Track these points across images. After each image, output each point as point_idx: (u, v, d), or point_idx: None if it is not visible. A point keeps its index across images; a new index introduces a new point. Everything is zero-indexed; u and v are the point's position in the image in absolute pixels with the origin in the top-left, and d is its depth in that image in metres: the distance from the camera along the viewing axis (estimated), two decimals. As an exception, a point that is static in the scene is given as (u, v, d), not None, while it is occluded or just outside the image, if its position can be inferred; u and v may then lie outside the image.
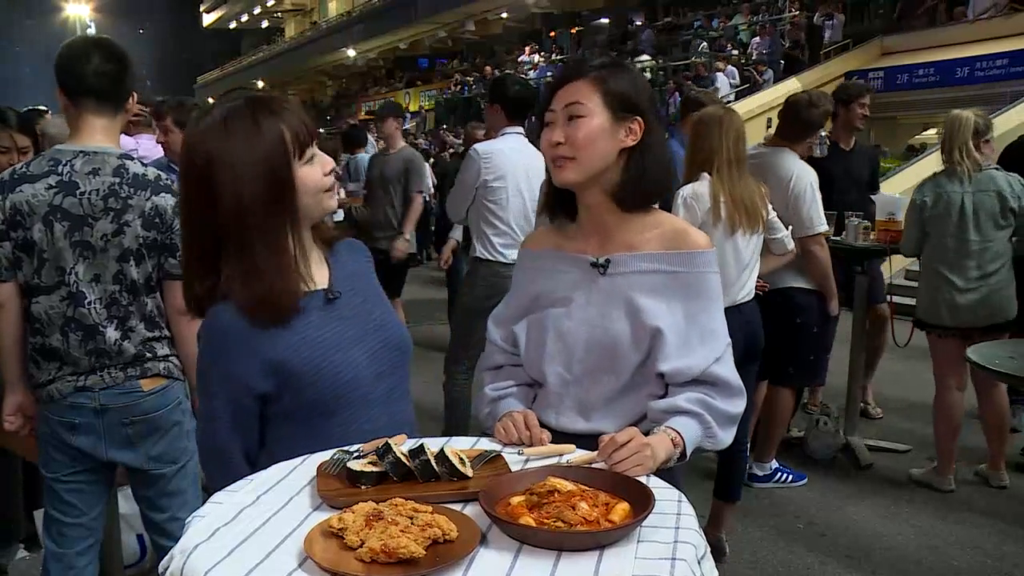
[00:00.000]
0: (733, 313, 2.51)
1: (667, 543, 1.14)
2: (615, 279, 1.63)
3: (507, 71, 21.37)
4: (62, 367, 2.22)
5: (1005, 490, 4.04)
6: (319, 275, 1.59)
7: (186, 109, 3.64)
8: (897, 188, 8.28)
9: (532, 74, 23.99)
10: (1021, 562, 3.40)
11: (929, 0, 15.58)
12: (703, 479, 3.63)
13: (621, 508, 1.19)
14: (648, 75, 19.35)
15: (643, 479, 1.32)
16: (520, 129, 4.04)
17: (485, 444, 1.52)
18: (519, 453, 1.46)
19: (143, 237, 2.20)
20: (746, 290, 3.23)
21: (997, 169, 3.82)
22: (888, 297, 4.97)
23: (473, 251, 4.09)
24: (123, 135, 3.64)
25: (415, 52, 34.16)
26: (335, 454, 1.38)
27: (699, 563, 1.15)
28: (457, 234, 5.76)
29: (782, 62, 16.90)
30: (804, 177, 3.69)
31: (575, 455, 1.45)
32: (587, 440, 1.49)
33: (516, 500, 1.21)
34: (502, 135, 4.01)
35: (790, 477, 4.13)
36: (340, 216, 6.44)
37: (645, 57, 20.27)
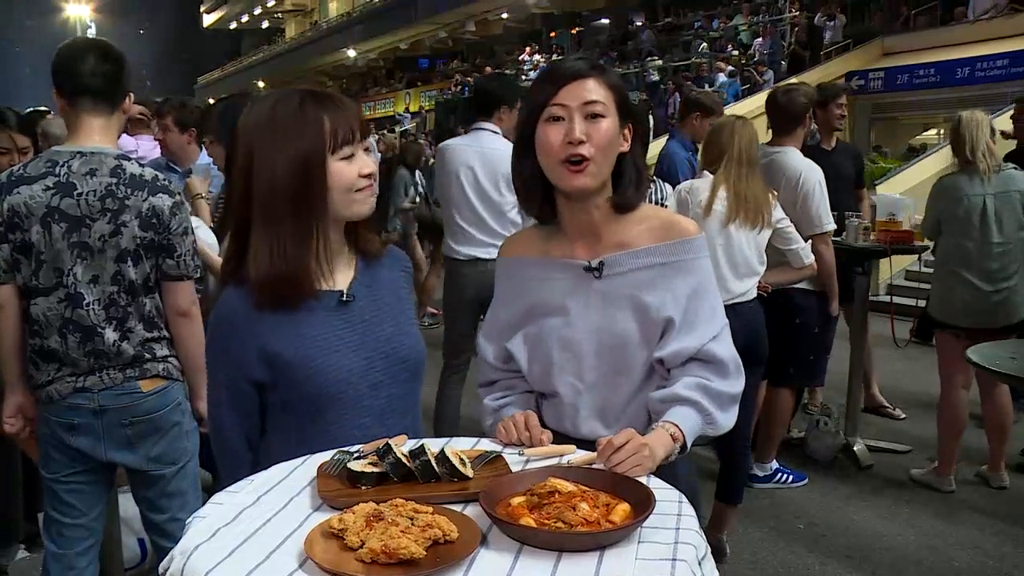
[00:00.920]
0: (731, 314, 2.50)
1: (668, 544, 1.14)
2: (612, 280, 1.62)
3: (507, 71, 21.38)
4: (61, 368, 2.22)
5: (1005, 491, 4.05)
6: (341, 277, 1.61)
7: (188, 110, 3.64)
8: (898, 188, 8.29)
9: (533, 75, 23.97)
10: (1021, 563, 3.40)
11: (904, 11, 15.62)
12: (705, 480, 3.63)
13: (622, 509, 1.19)
14: (656, 76, 19.38)
15: (643, 480, 1.32)
16: (484, 124, 4.01)
17: (486, 445, 1.51)
18: (520, 454, 1.46)
19: (140, 238, 2.20)
20: (744, 287, 3.22)
21: (1016, 168, 3.82)
22: (888, 298, 4.97)
23: None
24: (124, 135, 3.65)
25: (415, 52, 34.15)
26: (335, 455, 1.38)
27: (699, 564, 1.15)
28: None
29: (783, 63, 16.90)
30: (812, 175, 3.71)
31: (576, 456, 1.44)
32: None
33: (517, 501, 1.21)
34: (469, 131, 4.14)
35: (790, 478, 4.13)
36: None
37: (658, 61, 20.27)
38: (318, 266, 1.56)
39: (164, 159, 3.75)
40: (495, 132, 3.96)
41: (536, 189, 1.64)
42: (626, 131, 1.62)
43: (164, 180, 2.28)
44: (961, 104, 8.90)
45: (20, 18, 54.04)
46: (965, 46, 14.07)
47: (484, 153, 3.92)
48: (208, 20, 52.85)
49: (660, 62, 20.00)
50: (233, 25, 51.34)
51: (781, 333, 3.68)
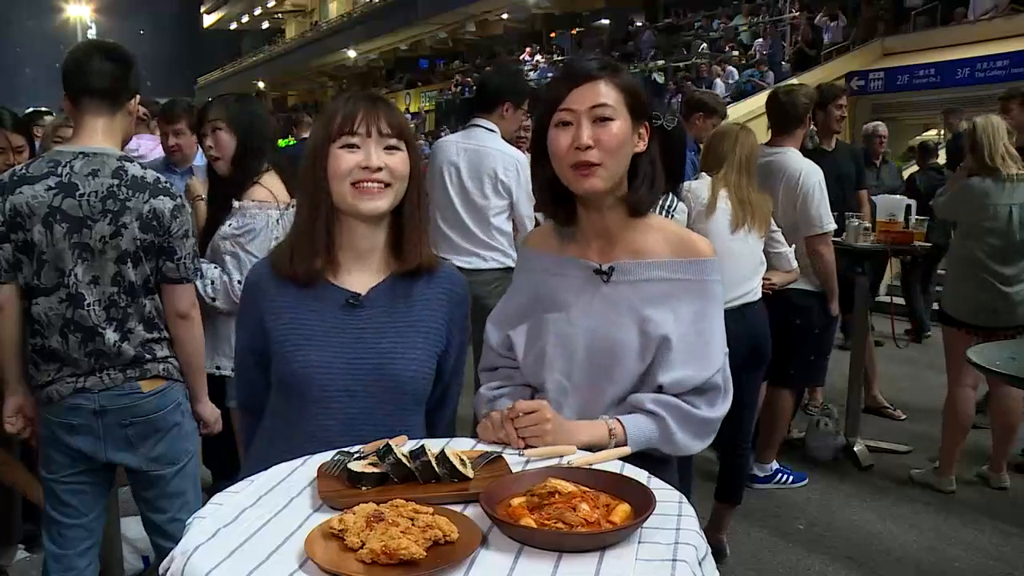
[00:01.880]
0: (735, 315, 2.50)
1: (668, 544, 1.14)
2: (620, 287, 1.61)
3: (509, 70, 21.31)
4: (61, 368, 2.22)
5: (1006, 491, 4.05)
6: (362, 279, 1.61)
7: (196, 112, 3.63)
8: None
9: (533, 75, 23.98)
10: (1022, 563, 3.40)
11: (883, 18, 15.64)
12: (704, 481, 3.62)
13: (622, 509, 1.19)
14: (662, 78, 19.38)
15: (643, 480, 1.32)
16: (481, 120, 3.73)
17: (486, 445, 1.51)
18: (520, 454, 1.46)
19: (140, 239, 2.20)
20: (746, 290, 3.23)
21: None
22: (889, 298, 4.98)
23: None
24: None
25: (415, 53, 34.14)
26: (336, 455, 1.38)
27: (700, 564, 1.15)
28: None
29: (783, 63, 16.90)
30: (812, 176, 3.72)
31: (576, 456, 1.44)
32: (590, 449, 1.48)
33: (517, 501, 1.21)
34: (464, 127, 3.89)
35: (791, 478, 4.13)
36: None
37: (660, 62, 20.28)
38: (328, 258, 1.59)
39: (163, 159, 3.75)
40: (491, 130, 3.70)
41: (552, 191, 1.63)
42: (642, 131, 1.60)
43: (166, 182, 2.28)
44: (962, 104, 8.91)
45: (20, 19, 54.05)
46: (965, 46, 14.06)
47: (472, 150, 3.66)
48: (208, 20, 52.89)
49: (663, 62, 20.00)
50: (233, 25, 51.36)
51: (781, 334, 3.68)
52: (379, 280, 1.63)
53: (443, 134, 18.97)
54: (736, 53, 18.66)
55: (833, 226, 3.82)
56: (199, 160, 3.60)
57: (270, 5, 45.43)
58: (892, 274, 7.51)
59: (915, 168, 7.51)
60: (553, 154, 1.58)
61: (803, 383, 4.41)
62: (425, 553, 1.08)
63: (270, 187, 2.75)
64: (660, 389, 1.56)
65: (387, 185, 1.56)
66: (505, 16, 28.89)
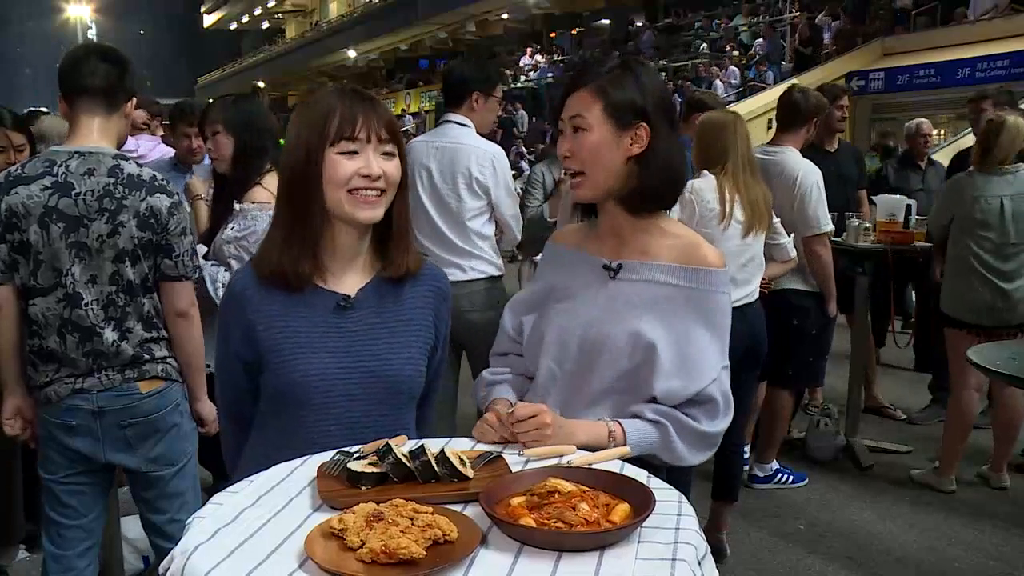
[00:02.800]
0: (737, 315, 2.49)
1: (668, 544, 1.14)
2: (624, 285, 1.62)
3: (506, 71, 21.36)
4: (60, 369, 2.22)
5: (1006, 491, 4.04)
6: (351, 282, 1.59)
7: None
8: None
9: (533, 75, 23.98)
10: (1022, 563, 3.40)
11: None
12: (701, 480, 3.62)
13: (621, 509, 1.19)
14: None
15: (643, 480, 1.32)
16: (452, 115, 3.41)
17: (485, 445, 1.52)
18: (520, 454, 1.46)
19: (138, 238, 2.20)
20: (749, 290, 3.23)
21: None
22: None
23: None
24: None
25: (416, 53, 34.14)
26: (335, 455, 1.38)
27: (699, 564, 1.15)
28: None
29: (783, 63, 16.91)
30: (810, 176, 3.71)
31: (576, 456, 1.44)
32: (589, 450, 1.48)
33: (516, 501, 1.21)
34: (439, 124, 3.53)
35: (791, 478, 4.13)
36: None
37: (660, 62, 20.28)
38: (315, 262, 1.55)
39: (170, 159, 3.76)
40: (463, 125, 3.38)
41: None
42: (637, 132, 1.59)
43: (162, 180, 2.28)
44: (962, 105, 8.89)
45: (21, 19, 54.04)
46: (965, 46, 14.07)
47: (444, 149, 3.34)
48: (208, 21, 52.88)
49: (664, 62, 20.00)
50: (233, 26, 51.36)
51: (780, 334, 3.68)
52: (366, 281, 1.61)
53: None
54: (736, 53, 18.66)
55: (830, 227, 3.81)
56: (205, 160, 3.61)
57: (270, 5, 45.42)
58: (892, 274, 7.50)
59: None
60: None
61: (802, 383, 4.41)
62: (425, 552, 1.08)
63: (270, 188, 2.73)
64: (654, 400, 1.57)
65: (382, 192, 1.54)
66: (505, 16, 28.89)
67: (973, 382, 3.93)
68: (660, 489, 1.29)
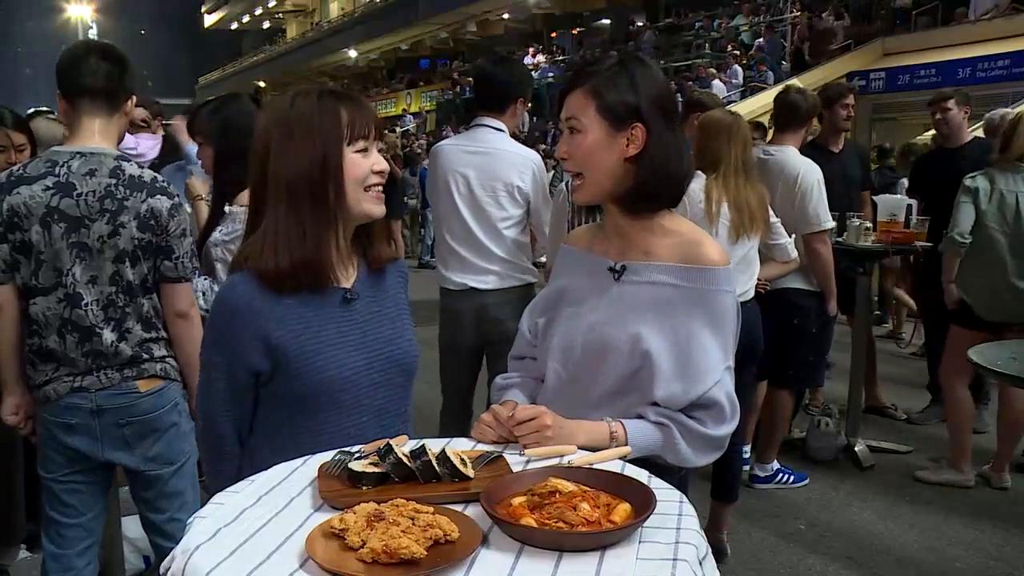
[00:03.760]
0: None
1: (668, 544, 1.14)
2: (628, 287, 1.62)
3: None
4: (59, 368, 2.22)
5: (1007, 491, 4.04)
6: (344, 274, 1.62)
7: None
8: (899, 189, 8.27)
9: (534, 75, 23.95)
10: (1022, 564, 3.40)
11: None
12: (700, 480, 3.62)
13: (622, 509, 1.19)
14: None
15: (644, 480, 1.32)
16: (488, 119, 3.28)
17: (486, 445, 1.52)
18: (520, 454, 1.46)
19: (138, 239, 2.20)
20: (745, 287, 3.22)
21: None
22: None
23: None
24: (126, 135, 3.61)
25: (416, 53, 34.16)
26: (336, 455, 1.38)
27: (700, 564, 1.15)
28: None
29: (783, 63, 16.91)
30: (811, 174, 3.72)
31: (576, 456, 1.44)
32: (590, 450, 1.49)
33: (517, 501, 1.21)
34: (468, 128, 3.43)
35: (791, 478, 4.13)
36: None
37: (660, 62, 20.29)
38: (338, 259, 1.59)
39: (182, 163, 3.76)
40: (500, 130, 3.27)
41: None
42: (632, 132, 1.58)
43: (163, 182, 2.28)
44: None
45: (21, 19, 54.05)
46: (966, 46, 14.07)
47: (484, 154, 3.23)
48: (209, 20, 52.89)
49: (663, 63, 20.00)
50: (234, 25, 51.36)
51: (780, 334, 3.68)
52: (355, 273, 1.65)
53: (444, 134, 18.90)
54: (737, 53, 18.66)
55: (831, 224, 3.81)
56: None
57: (271, 5, 45.43)
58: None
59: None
60: None
61: (802, 383, 4.41)
62: (426, 552, 1.08)
63: None
64: (656, 405, 1.56)
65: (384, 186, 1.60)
66: (506, 16, 28.89)
67: (964, 376, 3.94)
68: (661, 489, 1.29)
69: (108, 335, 2.21)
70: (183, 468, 2.38)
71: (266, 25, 49.71)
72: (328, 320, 1.58)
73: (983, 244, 3.86)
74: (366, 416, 1.59)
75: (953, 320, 4.00)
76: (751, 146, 3.28)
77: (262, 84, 41.48)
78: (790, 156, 3.79)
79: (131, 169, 2.23)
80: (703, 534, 1.22)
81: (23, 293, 2.21)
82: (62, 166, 2.17)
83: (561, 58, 25.09)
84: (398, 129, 22.23)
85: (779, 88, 6.76)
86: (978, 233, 3.88)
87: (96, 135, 2.23)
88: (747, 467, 4.11)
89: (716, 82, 16.63)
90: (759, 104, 13.75)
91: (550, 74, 23.64)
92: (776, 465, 4.12)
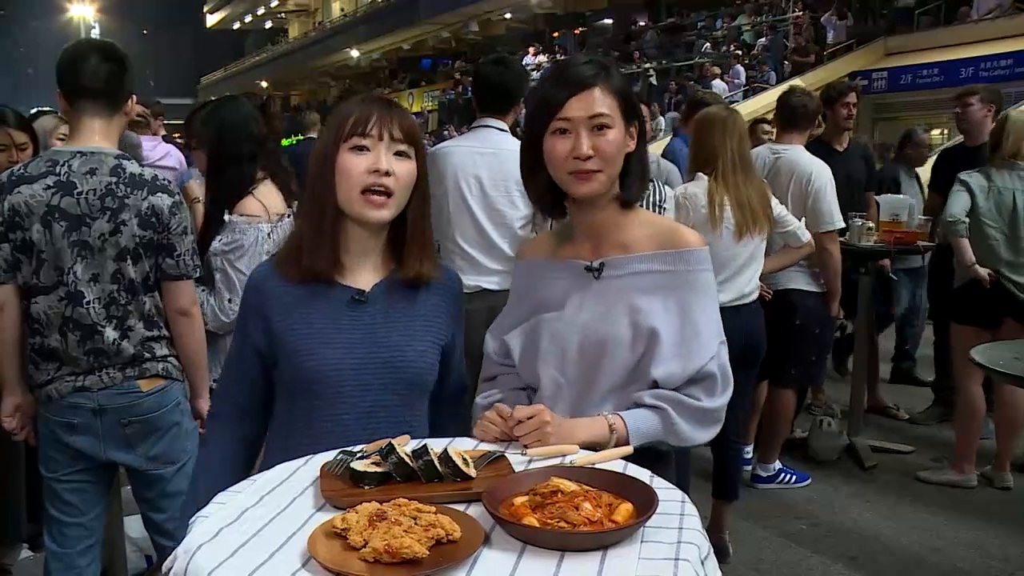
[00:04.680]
0: (732, 314, 2.49)
1: (671, 543, 1.14)
2: (610, 282, 1.63)
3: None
4: (61, 367, 2.23)
5: (1009, 491, 4.04)
6: (366, 278, 1.63)
7: None
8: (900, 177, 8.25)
9: (535, 75, 23.92)
10: (1025, 564, 3.40)
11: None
12: (701, 480, 3.62)
13: (624, 508, 1.19)
14: (654, 80, 19.37)
15: (646, 480, 1.32)
16: (492, 120, 3.31)
17: (488, 445, 1.52)
18: (522, 453, 1.46)
19: (140, 237, 2.21)
20: (746, 290, 3.22)
21: None
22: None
23: None
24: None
25: (418, 53, 34.15)
26: (338, 454, 1.38)
27: (702, 563, 1.15)
28: None
29: (786, 62, 16.90)
30: (823, 174, 3.74)
31: (579, 456, 1.44)
32: (591, 447, 1.49)
33: (519, 500, 1.21)
34: (471, 129, 3.43)
35: (793, 478, 4.12)
36: None
37: (656, 63, 20.30)
38: (332, 257, 1.59)
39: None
40: (503, 130, 3.30)
41: (548, 192, 1.65)
42: (632, 130, 1.62)
43: (163, 180, 2.29)
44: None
45: (24, 19, 54.11)
46: (969, 46, 14.07)
47: (494, 156, 3.22)
48: (211, 20, 52.88)
49: (656, 65, 20.03)
50: (236, 25, 51.36)
51: (783, 334, 3.68)
52: (380, 278, 1.65)
53: (446, 133, 18.85)
54: (739, 52, 18.66)
55: (842, 223, 3.82)
56: None
57: (273, 5, 45.42)
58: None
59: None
60: (551, 160, 1.60)
61: (805, 383, 4.41)
62: (428, 552, 1.08)
63: (263, 199, 2.64)
64: (655, 385, 1.57)
65: (390, 195, 1.55)
66: (508, 16, 28.89)
67: (978, 376, 3.92)
68: (663, 489, 1.29)
69: (110, 333, 2.21)
70: (185, 468, 2.38)
71: (268, 25, 49.73)
72: (330, 316, 1.59)
73: (979, 241, 3.86)
74: (348, 415, 1.59)
75: (951, 317, 4.00)
76: (747, 141, 3.27)
77: (264, 84, 41.53)
78: (801, 155, 3.80)
79: (132, 167, 2.23)
80: (705, 534, 1.21)
81: (24, 292, 2.22)
82: (63, 165, 2.17)
83: (563, 58, 25.09)
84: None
85: (782, 88, 6.78)
86: (975, 230, 3.88)
87: (97, 135, 2.23)
88: (749, 467, 4.11)
89: (718, 82, 16.63)
90: (761, 104, 13.75)
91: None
92: (778, 465, 4.12)
